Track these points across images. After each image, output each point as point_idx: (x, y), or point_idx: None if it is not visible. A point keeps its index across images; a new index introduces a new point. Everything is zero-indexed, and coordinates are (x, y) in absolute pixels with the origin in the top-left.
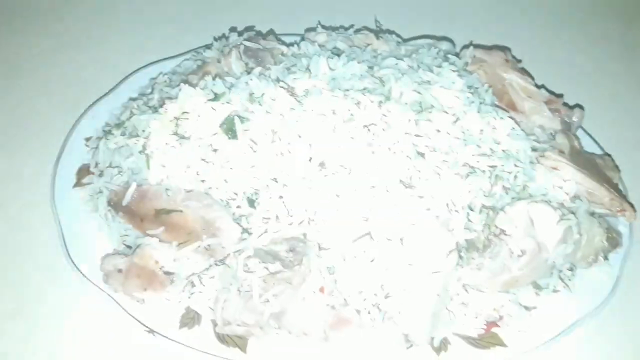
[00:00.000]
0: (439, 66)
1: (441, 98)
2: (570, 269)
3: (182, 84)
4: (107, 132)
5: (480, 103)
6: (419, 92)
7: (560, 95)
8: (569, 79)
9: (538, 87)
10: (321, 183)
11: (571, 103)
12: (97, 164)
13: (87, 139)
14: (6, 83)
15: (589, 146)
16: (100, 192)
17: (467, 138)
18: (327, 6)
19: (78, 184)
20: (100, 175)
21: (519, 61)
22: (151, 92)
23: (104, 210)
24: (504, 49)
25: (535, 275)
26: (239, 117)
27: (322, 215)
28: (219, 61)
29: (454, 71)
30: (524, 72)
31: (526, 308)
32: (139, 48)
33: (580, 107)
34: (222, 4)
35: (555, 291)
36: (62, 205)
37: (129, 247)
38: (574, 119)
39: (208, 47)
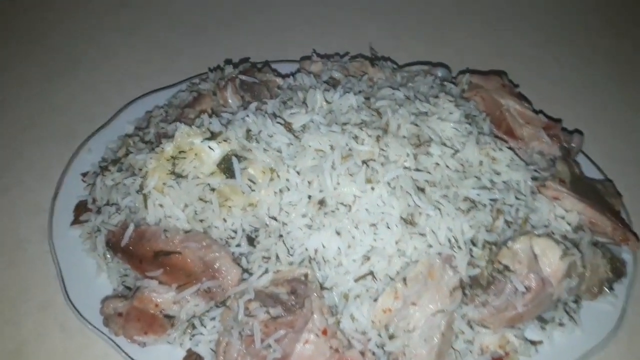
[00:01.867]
0: (436, 96)
1: (439, 130)
2: (575, 301)
3: (178, 123)
4: (103, 169)
5: (479, 133)
6: (416, 125)
7: (558, 120)
8: (566, 102)
9: (536, 112)
10: (321, 221)
11: (570, 127)
12: (94, 201)
13: (84, 174)
14: None
15: (589, 169)
16: (99, 230)
17: (466, 170)
18: (321, 31)
19: (76, 221)
20: (98, 212)
21: (516, 86)
22: (147, 126)
23: (102, 250)
24: (501, 73)
25: (541, 310)
26: (237, 156)
27: (323, 254)
28: (214, 94)
29: (450, 101)
30: (521, 97)
31: (532, 343)
32: (130, 75)
33: (579, 132)
34: (213, 28)
35: (561, 325)
36: (60, 243)
37: (128, 288)
38: (573, 144)
39: (203, 79)
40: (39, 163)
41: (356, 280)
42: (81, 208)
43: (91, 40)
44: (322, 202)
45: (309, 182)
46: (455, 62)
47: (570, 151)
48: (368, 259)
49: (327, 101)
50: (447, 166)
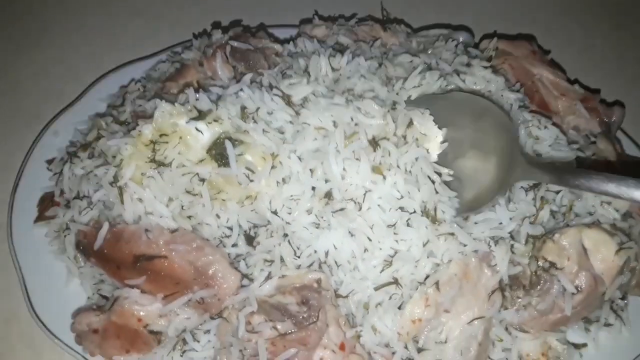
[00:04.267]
0: (468, 64)
1: None
2: (623, 298)
3: (157, 100)
4: (72, 155)
5: (521, 106)
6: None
7: (596, 91)
8: (596, 72)
9: (571, 82)
10: (329, 219)
11: (609, 99)
12: (62, 193)
13: (49, 161)
14: None
15: (628, 147)
16: (68, 228)
17: None
18: None
19: (40, 217)
20: (67, 206)
21: (547, 52)
22: (122, 104)
23: (72, 252)
24: (530, 38)
25: (589, 311)
26: (231, 139)
27: (335, 256)
28: (200, 64)
29: (485, 67)
30: (553, 65)
31: (575, 346)
32: (105, 45)
33: (621, 104)
34: None
35: (607, 325)
36: (22, 244)
37: (105, 297)
38: (614, 118)
39: (187, 46)
40: None
41: (377, 289)
42: (47, 201)
43: (59, 4)
44: (328, 196)
45: (311, 171)
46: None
47: (611, 126)
48: (390, 264)
49: (333, 68)
50: None
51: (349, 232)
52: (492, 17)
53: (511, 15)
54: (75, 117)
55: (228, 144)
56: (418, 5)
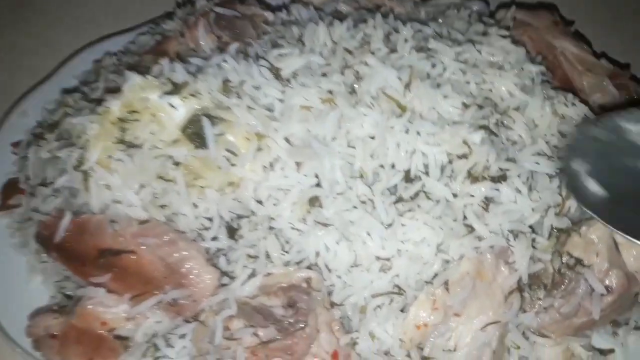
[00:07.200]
0: (484, 33)
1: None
2: None
3: (127, 72)
4: (38, 136)
5: (544, 81)
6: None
7: (626, 66)
8: (635, 42)
9: (597, 56)
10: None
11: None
12: (27, 179)
13: (15, 144)
14: None
15: None
16: (31, 219)
17: (532, 135)
18: None
19: (4, 206)
20: (32, 194)
21: (571, 23)
22: (95, 80)
23: (34, 245)
24: (551, 7)
25: (618, 314)
26: (209, 117)
27: (326, 259)
28: (182, 35)
29: (503, 36)
30: (577, 37)
31: (601, 352)
32: (83, 19)
33: None
34: None
35: (637, 328)
36: None
37: (69, 297)
38: None
39: (169, 16)
40: None
41: (374, 297)
42: (11, 189)
43: None
44: (313, 202)
45: (297, 164)
46: None
47: None
48: (390, 268)
49: (333, 41)
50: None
51: (344, 236)
52: None
53: None
54: (47, 95)
55: (205, 121)
56: None
